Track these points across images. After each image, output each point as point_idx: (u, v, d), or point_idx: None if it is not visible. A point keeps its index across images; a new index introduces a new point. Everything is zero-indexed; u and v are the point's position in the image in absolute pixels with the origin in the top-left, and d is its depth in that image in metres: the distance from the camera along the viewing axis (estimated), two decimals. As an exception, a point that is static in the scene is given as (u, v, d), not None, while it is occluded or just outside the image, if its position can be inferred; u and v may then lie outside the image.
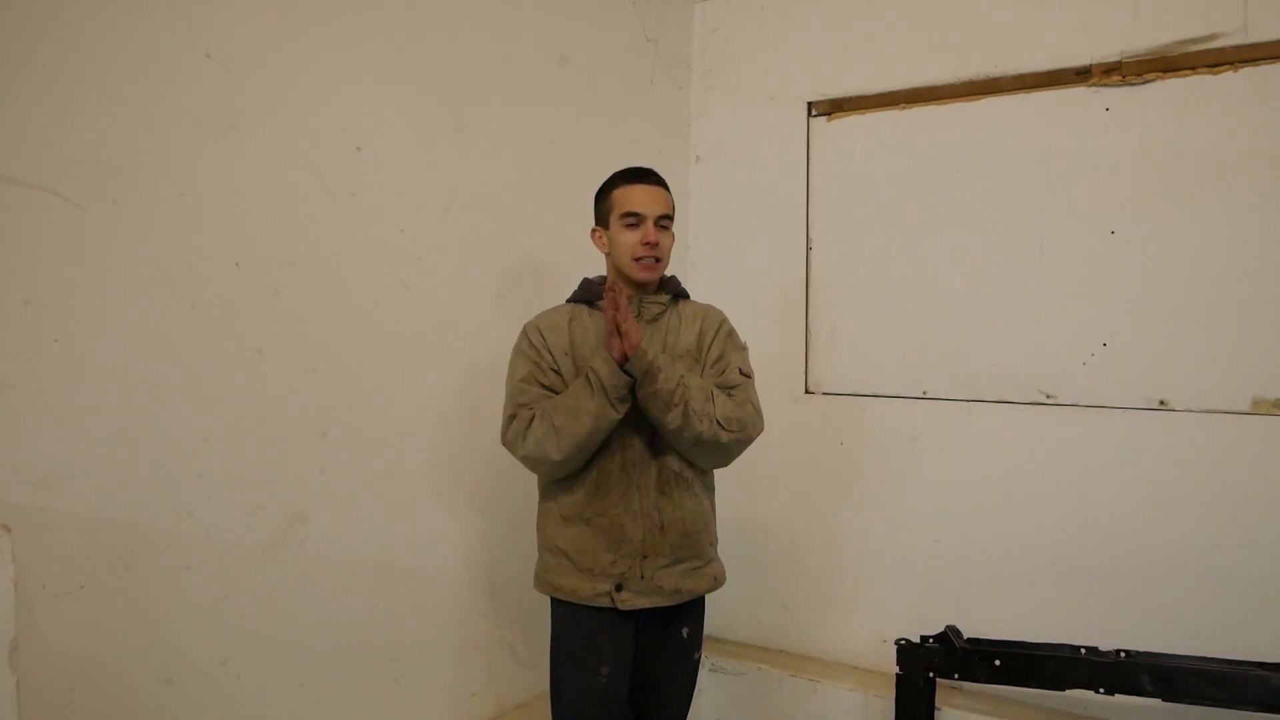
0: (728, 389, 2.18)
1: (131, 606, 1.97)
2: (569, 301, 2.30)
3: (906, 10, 3.14)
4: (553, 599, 2.25)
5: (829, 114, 3.32)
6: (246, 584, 2.18)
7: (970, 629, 2.71)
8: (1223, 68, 2.64)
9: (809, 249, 3.35)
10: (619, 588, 2.14)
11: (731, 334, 2.30)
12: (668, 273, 2.31)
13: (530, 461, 2.14)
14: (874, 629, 3.14)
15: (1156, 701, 2.42)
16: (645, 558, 2.14)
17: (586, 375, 2.06)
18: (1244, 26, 2.60)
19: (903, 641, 2.68)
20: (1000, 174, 2.97)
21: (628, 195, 2.18)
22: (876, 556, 3.17)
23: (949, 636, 2.63)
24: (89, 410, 1.89)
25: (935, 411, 3.08)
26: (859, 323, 3.25)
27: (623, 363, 2.02)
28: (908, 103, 3.14)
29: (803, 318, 3.35)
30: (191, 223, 2.05)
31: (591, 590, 2.15)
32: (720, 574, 2.30)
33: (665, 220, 2.20)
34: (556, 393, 2.15)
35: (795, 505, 3.35)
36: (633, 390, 2.06)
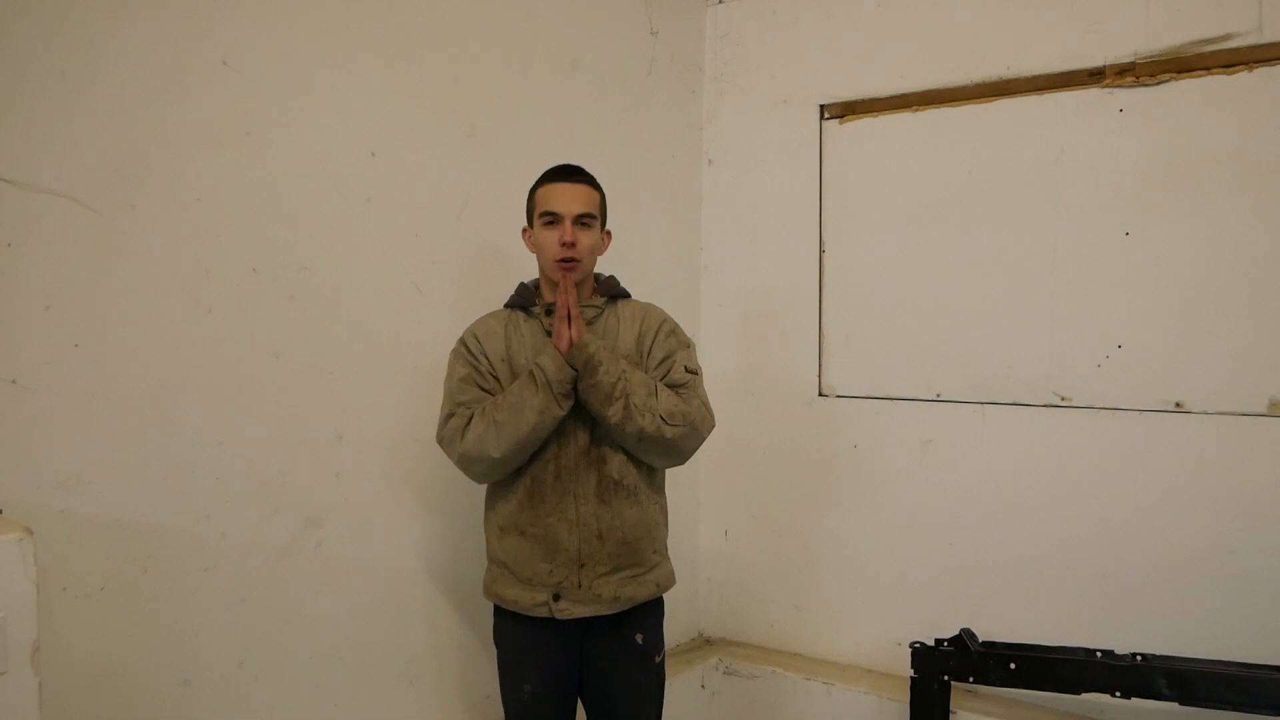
0: (675, 387, 2.13)
1: (150, 608, 1.99)
2: (506, 307, 2.27)
3: (919, 12, 3.13)
4: (495, 608, 2.25)
5: (841, 117, 3.32)
6: (263, 586, 2.19)
7: (985, 632, 2.71)
8: (1238, 68, 2.63)
9: (822, 252, 3.34)
10: (556, 597, 2.11)
11: (674, 332, 2.24)
12: (606, 272, 2.29)
13: (467, 460, 2.10)
14: (888, 632, 3.14)
15: (1173, 705, 2.41)
16: (583, 566, 2.10)
17: (531, 371, 2.05)
18: (1259, 26, 2.59)
19: (917, 644, 2.67)
20: (1013, 176, 2.96)
21: (548, 194, 2.15)
22: (891, 559, 3.17)
23: (964, 639, 2.63)
24: (108, 414, 1.91)
25: (949, 414, 3.07)
26: (872, 325, 3.24)
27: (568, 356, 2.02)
28: (920, 105, 3.14)
29: (816, 320, 3.35)
30: (208, 228, 2.07)
31: (531, 600, 2.13)
32: (664, 579, 2.24)
33: (586, 219, 2.13)
34: (493, 397, 2.13)
35: (809, 508, 3.35)
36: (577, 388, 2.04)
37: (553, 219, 2.12)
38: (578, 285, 2.15)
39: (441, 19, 2.59)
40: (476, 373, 2.17)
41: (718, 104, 3.58)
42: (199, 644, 2.08)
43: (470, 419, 2.08)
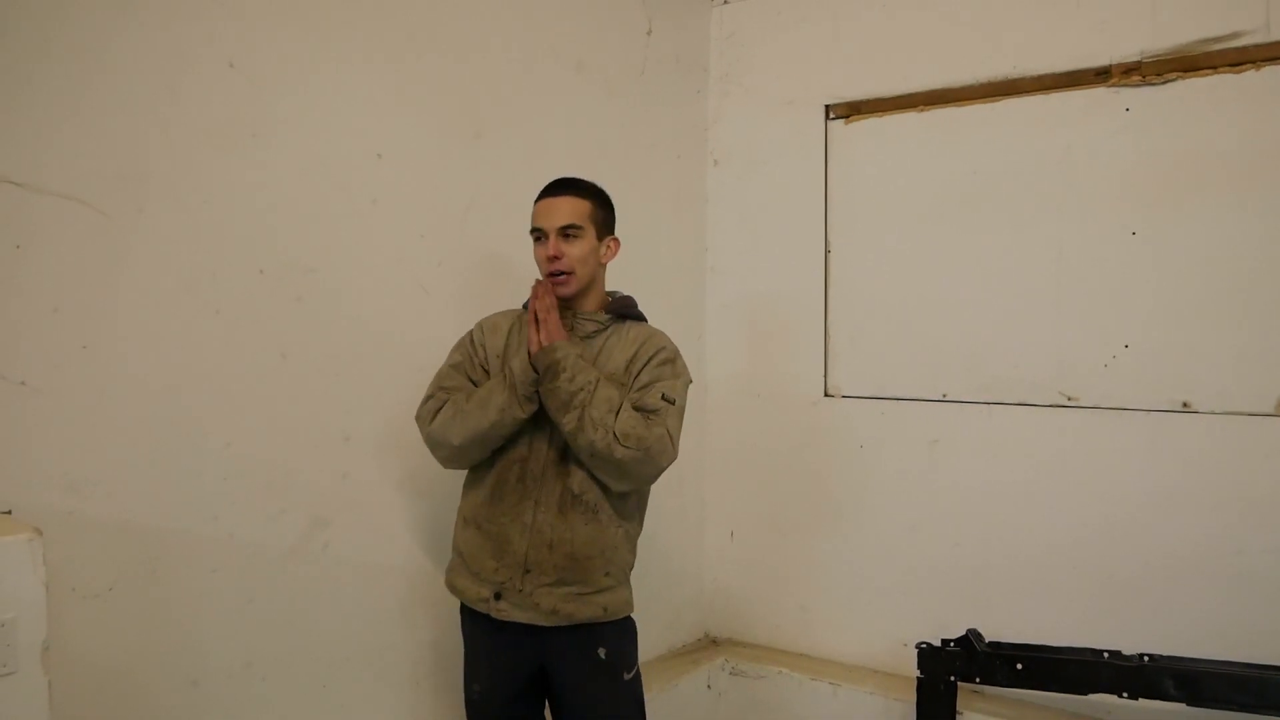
0: (646, 411, 2.06)
1: (158, 609, 2.00)
2: (523, 307, 2.25)
3: (924, 12, 3.13)
4: (460, 603, 2.23)
5: (847, 117, 3.32)
6: (270, 587, 2.20)
7: (991, 632, 2.70)
8: (1245, 67, 2.62)
9: (828, 252, 3.34)
10: (498, 596, 2.09)
11: (669, 361, 2.16)
12: (622, 291, 2.26)
13: (431, 442, 2.14)
14: (894, 632, 3.13)
15: (1180, 706, 2.41)
16: (528, 572, 2.07)
17: (504, 370, 2.09)
18: (1266, 24, 2.58)
19: (924, 645, 2.67)
20: (1020, 175, 2.96)
21: (536, 210, 2.16)
22: (897, 559, 3.16)
23: (970, 640, 2.62)
24: (116, 415, 1.92)
25: (955, 414, 3.07)
26: (878, 325, 3.24)
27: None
28: (926, 105, 3.14)
29: (821, 321, 3.35)
30: (215, 230, 2.08)
31: (475, 594, 2.12)
32: (615, 605, 2.15)
33: (570, 230, 2.10)
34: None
35: (815, 508, 3.35)
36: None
37: (539, 234, 2.13)
38: (581, 294, 2.16)
39: (447, 21, 2.59)
40: (469, 362, 2.20)
41: (723, 104, 3.58)
42: (207, 644, 2.09)
43: (443, 402, 2.12)
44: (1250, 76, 2.62)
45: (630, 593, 2.21)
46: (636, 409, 2.05)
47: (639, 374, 2.12)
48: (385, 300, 2.45)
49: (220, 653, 2.12)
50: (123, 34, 1.92)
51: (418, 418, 2.16)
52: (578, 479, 2.09)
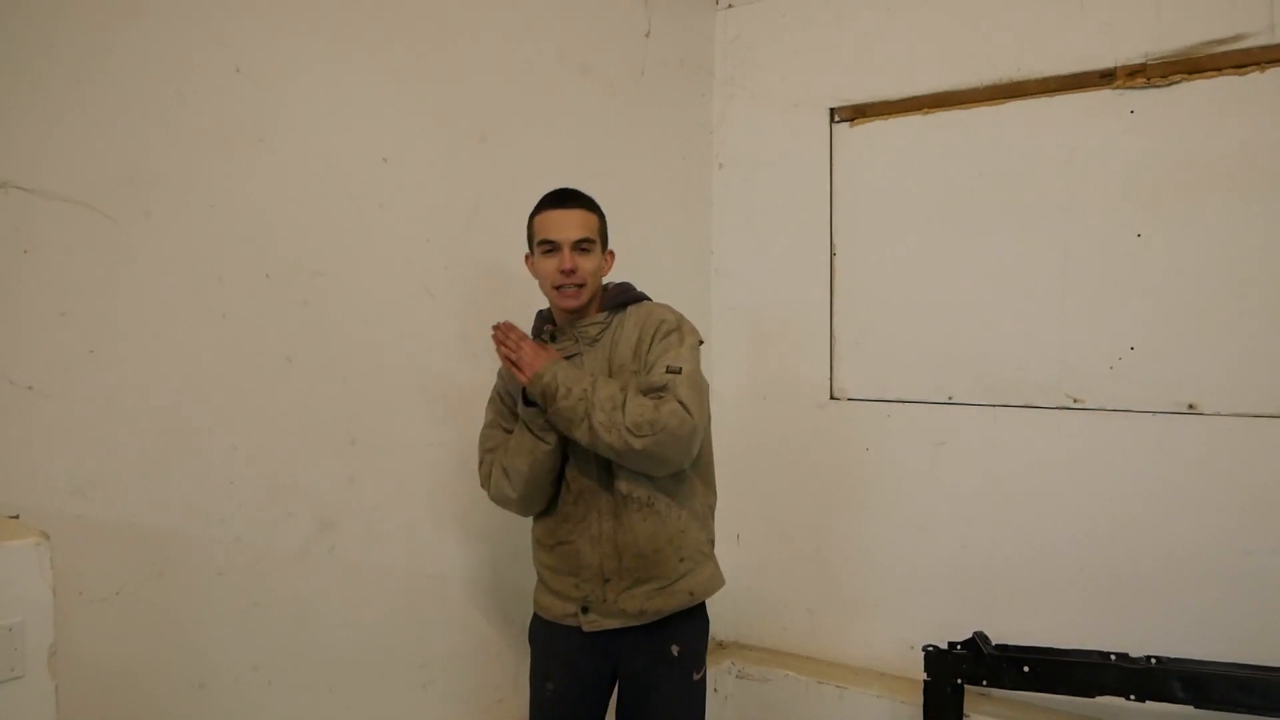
0: (654, 390, 2.03)
1: (165, 612, 2.00)
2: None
3: (929, 15, 3.13)
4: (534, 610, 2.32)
5: (852, 119, 3.32)
6: (277, 590, 2.20)
7: (998, 635, 2.70)
8: (1249, 68, 2.62)
9: (833, 255, 3.34)
10: (585, 610, 2.15)
11: (674, 330, 2.12)
12: (617, 279, 2.28)
13: (498, 502, 2.23)
14: (901, 635, 3.13)
15: (1188, 709, 2.40)
16: (607, 581, 2.12)
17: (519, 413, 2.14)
18: (1270, 26, 2.58)
19: (930, 648, 2.67)
20: (1024, 178, 2.96)
21: (544, 222, 2.13)
22: (903, 562, 3.16)
23: (977, 643, 2.62)
24: (123, 419, 1.92)
25: (961, 416, 3.07)
26: (884, 328, 3.24)
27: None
28: (931, 107, 3.14)
29: (827, 323, 3.35)
30: (222, 234, 2.09)
31: (561, 610, 2.19)
32: (700, 585, 2.17)
33: (585, 244, 2.11)
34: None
35: (821, 511, 3.35)
36: None
37: (551, 247, 2.11)
38: (584, 306, 2.16)
39: (452, 26, 2.60)
40: (501, 416, 2.26)
41: (728, 107, 3.59)
42: (213, 648, 2.09)
43: (490, 464, 2.21)
44: (1254, 78, 2.62)
45: (715, 566, 2.26)
46: (646, 392, 2.04)
47: (647, 354, 2.12)
48: (391, 304, 2.45)
49: (227, 656, 2.12)
50: (129, 39, 1.93)
51: (482, 484, 2.26)
52: (623, 480, 2.11)
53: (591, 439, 2.01)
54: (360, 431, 2.38)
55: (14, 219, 1.77)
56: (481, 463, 2.25)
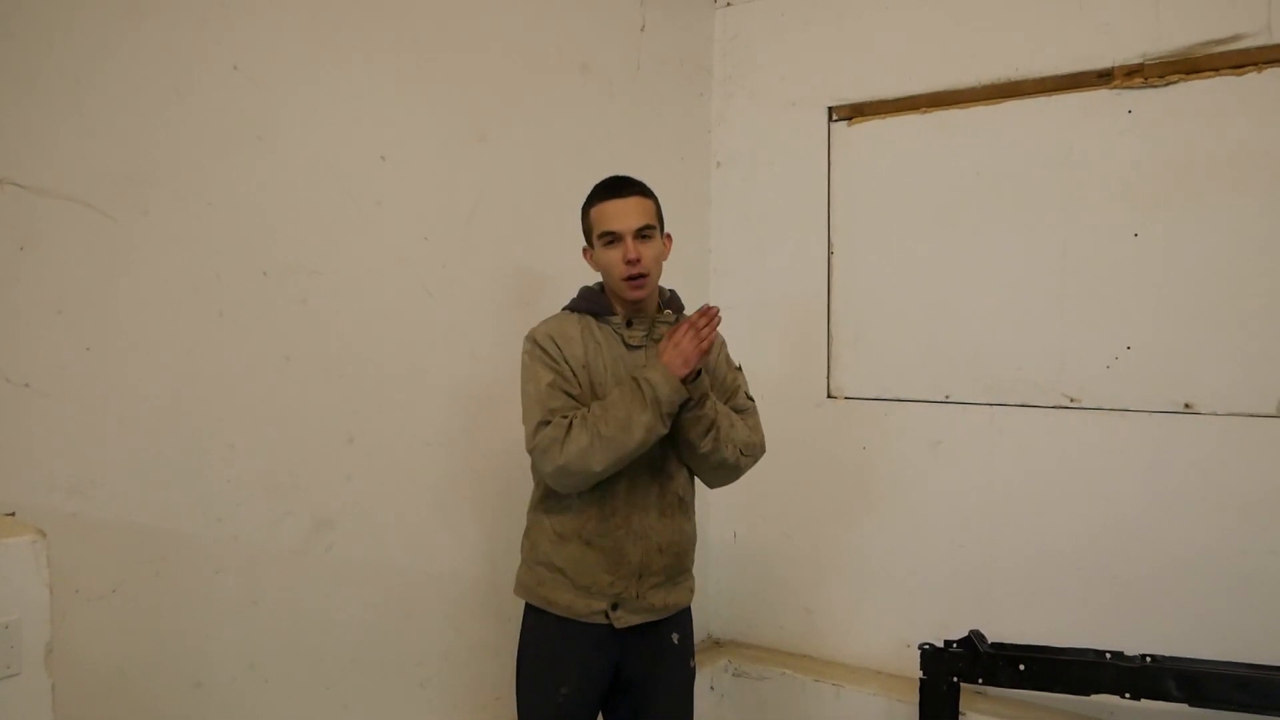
0: (739, 413, 2.20)
1: (162, 610, 2.00)
2: (571, 310, 2.19)
3: (927, 14, 3.13)
4: (527, 607, 2.21)
5: (850, 118, 3.32)
6: (274, 588, 2.20)
7: (994, 633, 2.70)
8: (1246, 69, 2.62)
9: (830, 253, 3.34)
10: (615, 607, 2.11)
11: (729, 355, 2.30)
12: (665, 285, 2.24)
13: (566, 472, 1.99)
14: (897, 633, 3.13)
15: (1183, 707, 2.41)
16: (641, 578, 2.11)
17: (639, 386, 1.96)
18: (1268, 27, 2.58)
19: (926, 646, 2.67)
20: (1022, 177, 2.96)
21: (603, 213, 2.07)
22: (899, 561, 3.17)
23: (973, 641, 2.62)
24: (120, 417, 1.92)
25: (958, 415, 3.07)
26: (881, 327, 3.24)
27: (686, 379, 1.97)
28: (929, 106, 3.14)
29: (824, 322, 3.35)
30: (219, 232, 2.09)
31: (587, 608, 2.10)
32: (694, 584, 2.30)
33: (647, 230, 2.06)
34: (580, 403, 2.06)
35: (818, 510, 3.35)
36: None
37: (613, 238, 2.05)
38: (638, 303, 2.12)
39: (451, 24, 2.60)
40: (561, 378, 2.07)
41: (726, 106, 3.59)
42: (210, 646, 2.09)
43: (569, 428, 1.98)
44: (1252, 78, 2.62)
45: None
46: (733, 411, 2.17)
47: (715, 368, 2.21)
48: (389, 303, 2.45)
49: (224, 654, 2.12)
50: (127, 37, 1.93)
51: (538, 449, 2.02)
52: (680, 482, 2.17)
53: (712, 449, 2.07)
54: (358, 430, 2.38)
55: (11, 216, 1.77)
56: (549, 423, 2.00)
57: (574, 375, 2.08)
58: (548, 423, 2.02)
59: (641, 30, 3.29)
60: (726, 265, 3.57)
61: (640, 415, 1.95)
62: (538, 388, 2.07)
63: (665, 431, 1.99)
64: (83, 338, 1.87)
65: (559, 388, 2.06)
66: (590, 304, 2.17)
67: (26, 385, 1.79)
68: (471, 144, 2.67)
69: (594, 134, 3.06)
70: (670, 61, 3.40)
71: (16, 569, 1.44)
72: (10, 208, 1.76)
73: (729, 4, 3.57)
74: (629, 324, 2.13)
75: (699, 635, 3.53)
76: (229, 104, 2.10)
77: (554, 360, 2.08)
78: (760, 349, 3.48)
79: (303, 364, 2.25)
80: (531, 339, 2.12)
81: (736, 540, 3.53)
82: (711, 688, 3.29)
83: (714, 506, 3.56)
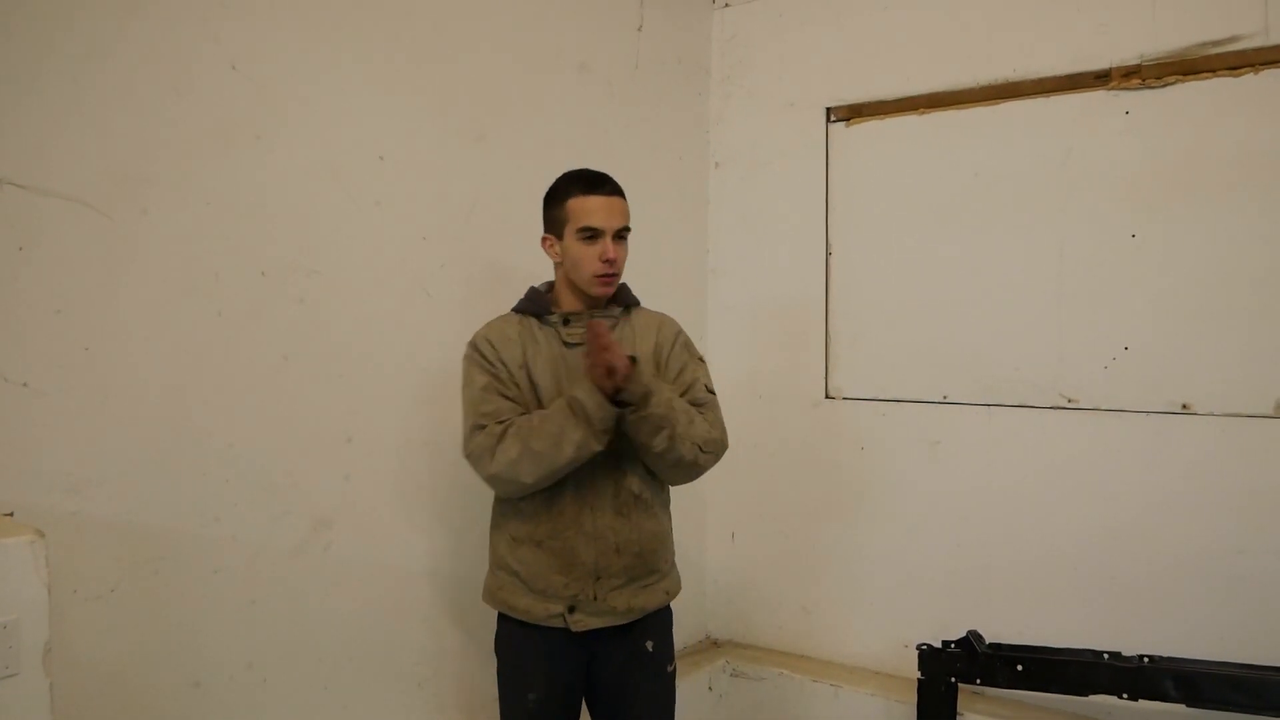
0: (697, 406, 2.13)
1: (160, 610, 2.00)
2: (515, 311, 2.19)
3: (925, 15, 3.13)
4: (499, 615, 2.21)
5: (848, 119, 3.32)
6: (273, 588, 2.20)
7: (992, 634, 2.70)
8: (1244, 70, 2.63)
9: (828, 254, 3.35)
10: (571, 609, 2.08)
11: (688, 345, 2.23)
12: (643, 282, 2.27)
13: (496, 480, 2.04)
14: (895, 634, 3.14)
15: (1180, 707, 2.41)
16: (598, 579, 2.08)
17: (569, 404, 1.96)
18: (1265, 28, 2.58)
19: (924, 646, 2.67)
20: (1020, 178, 2.96)
21: (585, 208, 2.06)
22: (898, 561, 3.17)
23: (971, 641, 2.62)
24: (119, 417, 1.93)
25: (956, 416, 3.07)
26: (879, 327, 3.24)
27: (613, 395, 1.93)
28: (927, 107, 3.14)
29: (822, 323, 3.35)
30: (218, 232, 2.09)
31: (545, 611, 2.09)
32: (673, 587, 2.24)
33: (624, 231, 2.10)
34: (519, 404, 2.08)
35: (816, 510, 3.35)
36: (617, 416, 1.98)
37: (593, 234, 2.05)
38: (596, 299, 2.13)
39: (450, 23, 2.60)
40: (497, 380, 2.08)
41: (724, 107, 3.59)
42: (209, 645, 2.09)
43: (502, 436, 2.00)
44: (1249, 79, 2.63)
45: (678, 572, 2.29)
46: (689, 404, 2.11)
47: (667, 361, 2.16)
48: (387, 302, 2.45)
49: (222, 654, 2.12)
50: (126, 36, 1.93)
51: (471, 455, 2.05)
52: (635, 480, 2.11)
53: (667, 447, 2.00)
54: (356, 430, 2.38)
55: (10, 216, 1.77)
56: (482, 429, 2.02)
57: (511, 377, 2.09)
58: (482, 427, 2.04)
59: (640, 30, 3.29)
60: (724, 265, 3.57)
61: (572, 432, 1.95)
62: (472, 392, 2.09)
63: (600, 446, 1.97)
64: (81, 337, 1.87)
65: (494, 390, 2.08)
66: (532, 305, 2.18)
67: (25, 385, 1.79)
68: (470, 144, 2.67)
69: (592, 134, 3.06)
70: (668, 62, 3.41)
71: (15, 569, 1.44)
72: (9, 207, 1.76)
73: (727, 4, 3.57)
74: (565, 322, 2.13)
75: (697, 636, 3.55)
76: (228, 104, 2.10)
77: (489, 363, 2.10)
78: (758, 349, 3.49)
79: (301, 363, 2.25)
80: (471, 343, 2.15)
81: (735, 540, 3.53)
82: (710, 688, 3.29)
83: (711, 507, 3.56)
